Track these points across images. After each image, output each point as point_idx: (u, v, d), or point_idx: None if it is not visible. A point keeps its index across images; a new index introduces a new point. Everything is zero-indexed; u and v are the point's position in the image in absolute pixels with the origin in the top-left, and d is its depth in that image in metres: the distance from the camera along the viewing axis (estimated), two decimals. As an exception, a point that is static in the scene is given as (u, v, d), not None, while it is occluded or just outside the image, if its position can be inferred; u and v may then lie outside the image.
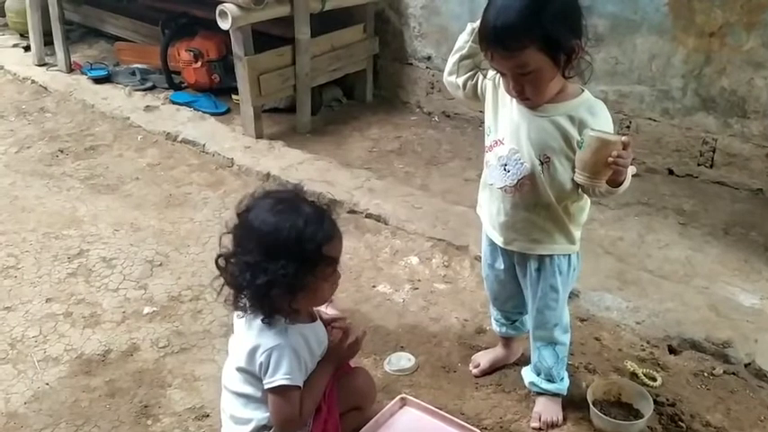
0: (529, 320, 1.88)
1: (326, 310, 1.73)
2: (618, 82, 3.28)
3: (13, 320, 2.27)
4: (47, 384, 2.02)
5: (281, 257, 1.46)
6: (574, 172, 1.58)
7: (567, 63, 1.54)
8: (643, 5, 3.11)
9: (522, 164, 1.63)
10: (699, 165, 3.20)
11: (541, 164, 1.61)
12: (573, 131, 1.58)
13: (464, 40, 1.71)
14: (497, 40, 1.51)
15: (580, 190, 1.63)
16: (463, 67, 1.74)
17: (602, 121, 1.60)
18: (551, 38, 1.48)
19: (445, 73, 1.79)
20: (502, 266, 1.84)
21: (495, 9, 1.51)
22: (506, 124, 1.66)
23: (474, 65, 1.74)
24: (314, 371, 1.61)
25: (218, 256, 1.55)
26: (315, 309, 1.67)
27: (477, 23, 1.60)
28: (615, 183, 1.55)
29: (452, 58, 1.75)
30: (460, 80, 1.75)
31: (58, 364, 2.09)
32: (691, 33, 3.04)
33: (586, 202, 1.72)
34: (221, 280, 1.55)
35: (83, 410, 1.93)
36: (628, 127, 3.31)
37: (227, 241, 1.55)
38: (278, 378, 1.51)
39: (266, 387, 1.53)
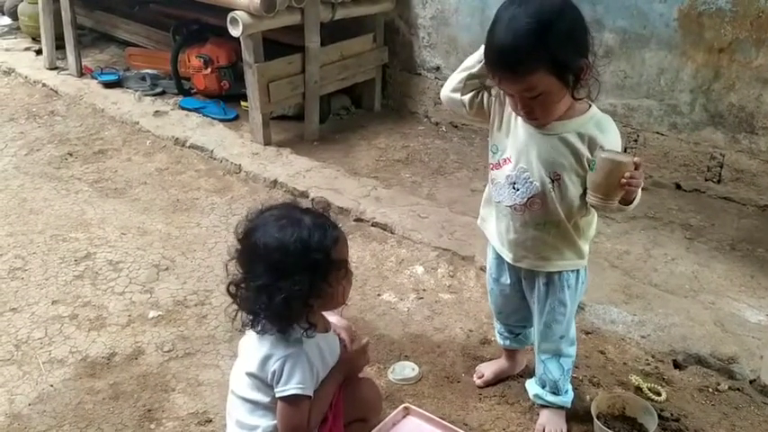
0: (535, 334, 1.87)
1: (334, 320, 1.72)
2: (626, 96, 3.28)
3: (19, 322, 2.28)
4: (51, 386, 2.02)
5: (294, 273, 1.45)
6: (583, 188, 1.58)
7: (575, 83, 1.52)
8: (653, 20, 3.12)
9: (531, 182, 1.62)
10: (706, 180, 3.20)
11: (552, 182, 1.61)
12: (583, 149, 1.58)
13: (476, 59, 1.65)
14: (504, 65, 1.49)
15: (589, 205, 1.63)
16: (469, 86, 1.70)
17: (611, 137, 1.59)
18: (559, 60, 1.46)
19: (447, 89, 1.73)
20: (508, 281, 1.84)
21: (500, 31, 1.47)
22: (514, 143, 1.65)
23: (480, 84, 1.70)
24: (323, 381, 1.60)
25: (229, 283, 1.54)
26: (327, 319, 1.67)
27: None
28: (626, 201, 1.55)
29: (458, 76, 1.70)
30: (466, 98, 1.71)
31: (63, 366, 2.10)
32: (700, 49, 3.05)
33: (594, 215, 1.72)
34: (232, 305, 1.55)
35: (86, 413, 1.93)
36: (635, 140, 3.31)
37: (234, 266, 1.54)
38: (291, 387, 1.51)
39: (278, 395, 1.52)
